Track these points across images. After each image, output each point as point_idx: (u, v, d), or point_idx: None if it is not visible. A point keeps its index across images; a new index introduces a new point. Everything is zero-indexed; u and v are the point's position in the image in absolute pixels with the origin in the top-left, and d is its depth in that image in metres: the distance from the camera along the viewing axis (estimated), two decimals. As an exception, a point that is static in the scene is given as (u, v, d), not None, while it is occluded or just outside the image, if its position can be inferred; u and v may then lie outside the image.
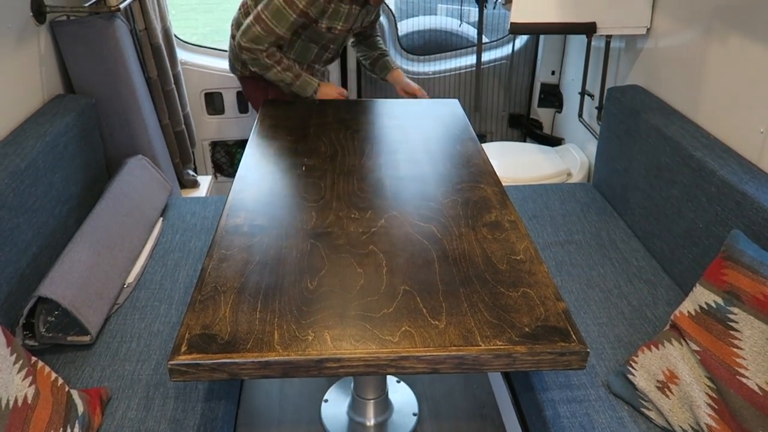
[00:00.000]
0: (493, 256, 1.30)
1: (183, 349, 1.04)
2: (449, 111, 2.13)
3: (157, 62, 2.27)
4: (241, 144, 3.03)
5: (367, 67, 2.54)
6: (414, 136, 1.91)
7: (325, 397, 2.00)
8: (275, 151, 1.79)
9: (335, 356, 1.04)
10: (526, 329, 1.10)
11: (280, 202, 1.50)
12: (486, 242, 1.35)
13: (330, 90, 2.27)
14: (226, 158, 3.08)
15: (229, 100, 2.90)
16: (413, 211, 1.47)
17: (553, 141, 2.97)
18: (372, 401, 1.90)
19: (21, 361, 1.17)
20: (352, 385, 1.91)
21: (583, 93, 2.56)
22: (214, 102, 2.93)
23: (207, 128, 2.94)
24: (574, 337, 1.08)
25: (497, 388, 1.94)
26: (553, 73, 2.96)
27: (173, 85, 2.39)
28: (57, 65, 1.99)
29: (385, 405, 1.94)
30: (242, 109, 2.92)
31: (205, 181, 2.67)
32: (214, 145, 3.03)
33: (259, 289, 1.19)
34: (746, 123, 1.58)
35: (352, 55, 2.84)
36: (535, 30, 2.10)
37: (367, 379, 1.84)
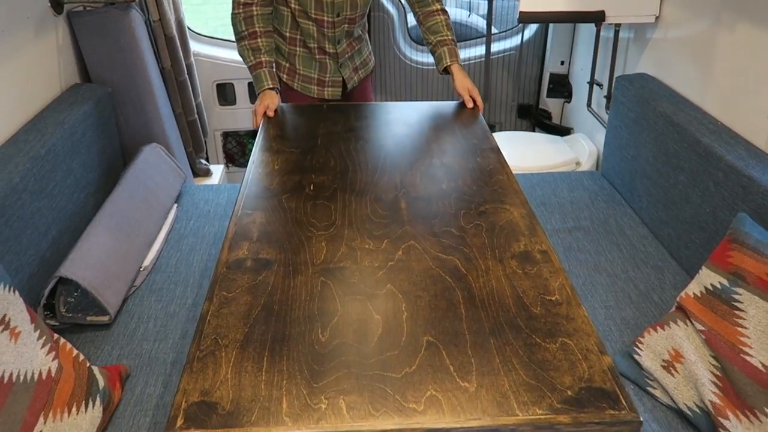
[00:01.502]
0: (525, 296, 1.17)
1: (179, 423, 0.92)
2: (467, 116, 1.96)
3: (171, 53, 2.31)
4: (253, 134, 3.06)
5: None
6: (430, 146, 1.77)
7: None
8: (280, 166, 1.65)
9: (353, 431, 0.92)
10: (569, 392, 0.97)
11: (287, 230, 1.37)
12: (516, 278, 1.22)
13: (261, 101, 1.95)
14: (238, 148, 3.12)
15: (241, 91, 2.94)
16: (433, 240, 1.34)
17: (561, 131, 2.98)
18: None
19: (44, 337, 1.21)
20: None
21: (591, 82, 2.57)
22: (225, 93, 2.98)
23: (219, 119, 2.99)
24: (624, 403, 0.95)
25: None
26: (562, 63, 2.98)
27: (186, 76, 2.43)
28: (74, 55, 2.03)
29: None
30: (253, 99, 2.95)
31: (217, 171, 2.71)
32: (226, 135, 3.08)
33: (265, 342, 1.06)
34: (753, 109, 1.60)
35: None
36: (544, 19, 2.12)
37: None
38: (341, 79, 2.11)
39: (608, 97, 2.42)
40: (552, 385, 0.97)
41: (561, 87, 2.99)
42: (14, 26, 1.68)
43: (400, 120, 1.94)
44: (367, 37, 2.22)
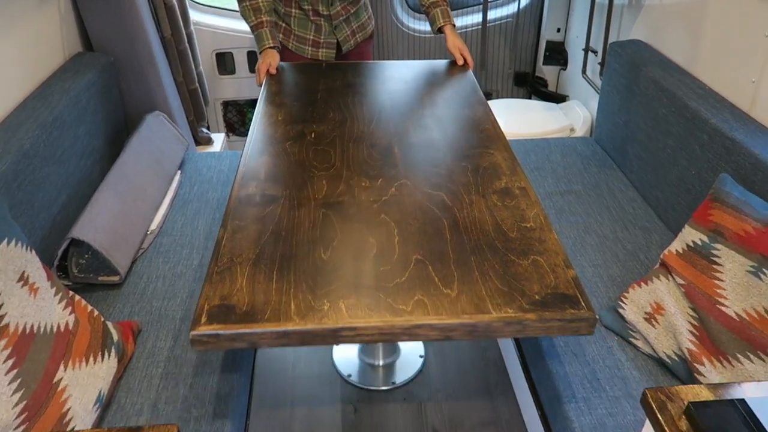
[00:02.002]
0: (504, 223, 1.31)
1: (203, 320, 1.05)
2: (457, 73, 2.13)
3: (171, 22, 2.34)
4: (252, 104, 3.10)
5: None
6: (422, 99, 1.90)
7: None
8: (284, 117, 1.77)
9: (351, 326, 1.05)
10: (536, 297, 1.11)
11: (291, 171, 1.50)
12: (496, 210, 1.35)
13: (263, 59, 2.07)
14: (238, 118, 3.16)
15: (240, 60, 2.97)
16: (423, 179, 1.47)
17: (557, 98, 3.02)
18: (381, 343, 2.02)
19: (60, 294, 1.29)
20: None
21: (586, 49, 2.60)
22: (225, 62, 3.00)
23: (219, 88, 3.02)
24: (583, 304, 1.09)
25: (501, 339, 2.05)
26: (558, 30, 3.00)
27: (186, 44, 2.46)
28: (76, 24, 2.07)
29: (393, 347, 2.07)
30: (253, 68, 2.98)
31: (218, 139, 2.76)
32: (226, 104, 3.11)
33: (274, 260, 1.20)
34: (740, 74, 1.65)
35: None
36: (538, -15, 2.14)
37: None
38: (335, 41, 2.18)
39: (602, 64, 2.46)
40: (522, 292, 1.12)
41: (557, 54, 3.01)
42: (18, -5, 1.72)
43: (395, 77, 2.07)
44: (367, 1, 2.26)
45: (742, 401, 0.88)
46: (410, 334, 1.07)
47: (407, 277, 1.16)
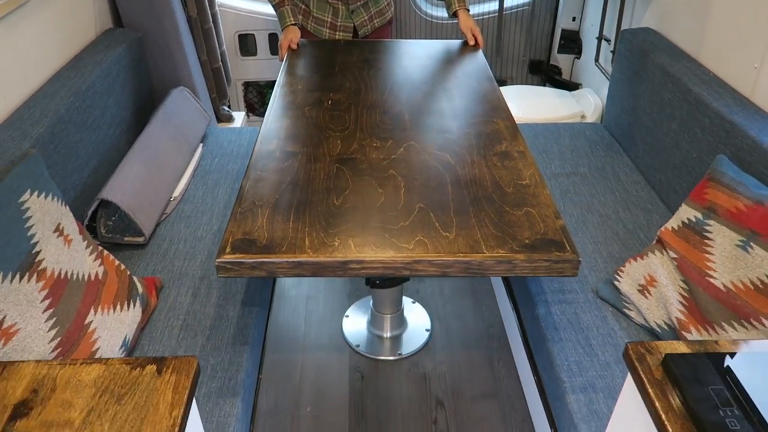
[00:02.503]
0: (501, 180, 1.42)
1: (228, 249, 1.19)
2: (469, 52, 2.24)
3: (197, 1, 2.44)
4: (272, 85, 3.19)
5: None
6: (434, 74, 2.03)
7: (346, 314, 2.22)
8: (303, 86, 1.92)
9: (358, 259, 1.18)
10: (527, 241, 1.22)
11: (309, 132, 1.63)
12: (495, 169, 1.47)
13: (285, 35, 2.21)
14: (258, 98, 3.26)
15: (262, 42, 3.06)
16: (430, 142, 1.59)
17: (570, 86, 3.07)
18: (389, 316, 2.10)
19: (91, 247, 1.39)
20: (371, 302, 2.12)
21: (600, 38, 2.65)
22: (247, 44, 3.10)
23: (240, 69, 3.11)
24: (568, 248, 1.20)
25: (504, 310, 2.13)
26: (573, 19, 3.04)
27: (211, 24, 2.56)
28: (108, 2, 2.17)
29: (400, 320, 2.15)
30: (273, 50, 3.07)
31: (239, 117, 2.86)
32: (247, 85, 3.21)
33: (291, 204, 1.33)
34: (743, 59, 1.70)
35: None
36: (552, -28, 2.19)
37: (384, 296, 2.04)
38: (352, 25, 2.27)
39: (614, 52, 2.50)
40: (514, 236, 1.24)
41: (572, 43, 3.06)
42: (55, -29, 1.82)
43: (409, 54, 2.20)
44: None
45: (715, 354, 0.95)
46: (411, 268, 1.19)
47: (410, 221, 1.28)
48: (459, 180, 1.42)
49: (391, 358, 2.05)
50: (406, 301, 2.24)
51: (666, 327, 1.40)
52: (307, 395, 1.90)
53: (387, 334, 2.13)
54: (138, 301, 1.42)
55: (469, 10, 2.28)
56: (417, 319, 2.20)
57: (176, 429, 0.87)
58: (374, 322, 2.13)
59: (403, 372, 2.01)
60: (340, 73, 2.02)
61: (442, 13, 3.12)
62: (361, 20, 2.30)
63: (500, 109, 1.78)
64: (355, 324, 2.17)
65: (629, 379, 1.00)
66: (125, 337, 1.34)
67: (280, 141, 1.59)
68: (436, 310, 2.24)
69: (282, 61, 2.16)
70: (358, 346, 2.09)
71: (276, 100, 1.83)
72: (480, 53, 2.22)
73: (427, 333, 2.15)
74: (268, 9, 2.89)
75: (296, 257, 1.18)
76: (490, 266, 1.19)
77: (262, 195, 1.36)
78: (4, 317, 1.08)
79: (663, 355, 0.96)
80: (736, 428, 0.83)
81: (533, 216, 1.30)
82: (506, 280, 1.91)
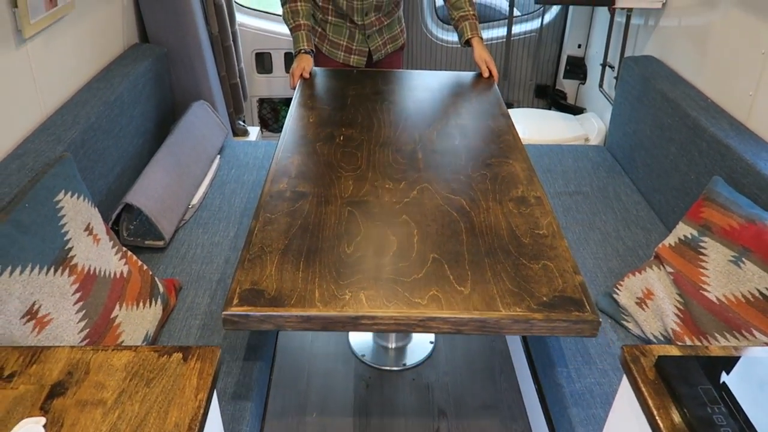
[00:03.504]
0: (518, 229, 1.37)
1: (235, 301, 1.15)
2: (483, 85, 2.21)
3: (219, 20, 2.55)
4: (286, 102, 3.30)
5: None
6: (447, 109, 1.99)
7: (352, 324, 2.27)
8: (315, 120, 1.87)
9: (370, 314, 1.14)
10: (544, 298, 1.17)
11: (320, 171, 1.59)
12: (511, 216, 1.42)
13: (298, 63, 2.19)
14: (272, 114, 3.37)
15: (278, 61, 3.18)
16: (444, 184, 1.54)
17: (575, 110, 3.16)
18: (394, 329, 2.16)
19: (116, 247, 1.47)
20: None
21: (604, 64, 2.75)
22: (263, 62, 3.21)
23: (256, 86, 3.23)
24: (587, 307, 1.16)
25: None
26: (579, 46, 3.15)
27: (231, 42, 2.67)
28: (135, 18, 2.28)
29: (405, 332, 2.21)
30: (288, 69, 3.19)
31: (254, 132, 2.96)
32: (262, 101, 3.32)
33: (301, 251, 1.28)
34: (738, 87, 1.78)
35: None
36: (559, 1, 2.30)
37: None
38: (367, 49, 2.33)
39: (617, 78, 2.60)
40: (531, 293, 1.20)
41: (577, 69, 3.16)
42: (89, -11, 1.94)
43: (422, 86, 2.18)
44: (401, 15, 2.43)
45: (705, 357, 1.02)
46: (424, 326, 1.15)
47: (424, 273, 1.23)
48: (474, 227, 1.38)
49: (395, 368, 2.10)
50: (412, 314, 2.30)
51: (662, 338, 1.46)
52: (314, 402, 1.96)
53: (392, 345, 2.18)
54: (159, 300, 1.49)
55: (482, 39, 2.27)
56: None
57: (201, 410, 0.93)
58: (380, 334, 2.19)
59: (407, 382, 2.06)
60: (353, 106, 1.99)
61: (453, 38, 3.23)
62: (376, 45, 2.34)
63: (516, 149, 1.74)
64: (361, 335, 2.23)
65: (625, 380, 1.06)
66: (147, 332, 1.41)
67: (290, 180, 1.55)
68: (440, 323, 2.29)
69: (293, 88, 2.16)
70: (363, 356, 2.15)
71: (287, 134, 1.80)
72: (494, 86, 2.20)
73: (431, 345, 2.20)
74: (285, 29, 3.01)
75: (305, 311, 1.14)
76: (507, 325, 1.15)
77: (272, 240, 1.32)
78: (40, 306, 1.15)
79: (656, 357, 1.03)
80: (722, 424, 0.90)
81: (551, 270, 1.25)
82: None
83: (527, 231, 1.38)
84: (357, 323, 1.15)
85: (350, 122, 1.88)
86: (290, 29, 2.23)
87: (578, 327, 1.15)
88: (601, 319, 1.16)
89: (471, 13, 2.24)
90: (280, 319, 1.14)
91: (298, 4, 2.18)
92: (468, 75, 2.30)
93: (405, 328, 1.15)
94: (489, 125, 1.89)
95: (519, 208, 1.47)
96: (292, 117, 1.90)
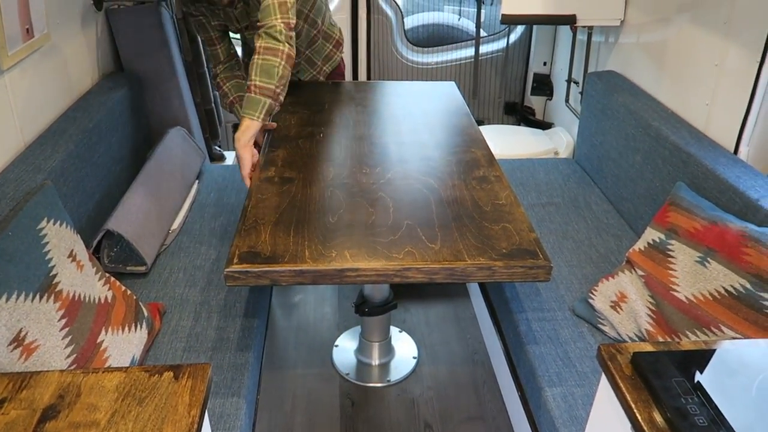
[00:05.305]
0: (480, 200, 1.55)
1: (235, 260, 1.30)
2: (447, 91, 2.40)
3: (193, 48, 2.59)
4: (261, 126, 3.33)
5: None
6: (416, 111, 2.18)
7: (335, 343, 2.29)
8: (297, 121, 2.05)
9: (354, 267, 1.29)
10: (504, 250, 1.35)
11: (304, 161, 1.76)
12: (474, 191, 1.60)
13: (243, 163, 1.72)
14: (247, 139, 3.39)
15: (251, 86, 3.21)
16: (414, 168, 1.73)
17: (544, 125, 3.26)
18: (377, 344, 2.18)
19: (100, 273, 1.48)
20: (359, 332, 2.20)
21: (569, 80, 2.85)
22: (237, 87, 3.24)
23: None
24: (541, 256, 1.33)
25: (486, 331, 2.23)
26: (544, 64, 3.26)
27: (205, 69, 2.70)
28: (110, 47, 2.31)
29: (388, 348, 2.23)
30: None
31: (230, 156, 2.98)
32: (235, 127, 3.34)
33: (291, 222, 1.44)
34: (695, 97, 1.88)
35: (363, 40, 3.15)
36: (523, 20, 2.41)
37: (373, 323, 2.13)
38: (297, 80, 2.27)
39: (582, 93, 2.70)
40: (493, 247, 1.37)
41: (543, 86, 3.27)
42: (64, 20, 1.96)
43: (393, 93, 2.38)
44: (329, 30, 2.25)
45: (677, 352, 1.07)
46: (401, 275, 1.31)
47: (399, 235, 1.40)
48: (442, 200, 1.55)
49: (380, 384, 2.12)
50: (393, 331, 2.33)
51: (636, 338, 1.52)
52: (300, 422, 1.96)
53: (375, 362, 2.20)
54: (144, 324, 1.50)
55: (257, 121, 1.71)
56: (404, 347, 2.28)
57: (195, 426, 0.95)
58: (363, 351, 2.21)
59: (392, 398, 2.08)
60: (330, 110, 2.17)
61: (424, 59, 3.32)
62: (311, 76, 2.32)
63: (477, 140, 1.94)
64: (345, 353, 2.25)
65: (604, 378, 1.11)
66: (133, 356, 1.41)
67: (277, 168, 1.72)
68: (422, 339, 2.33)
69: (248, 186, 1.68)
70: (347, 374, 2.16)
71: (271, 134, 1.96)
72: (456, 90, 2.39)
73: (414, 360, 2.23)
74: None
75: (297, 266, 1.29)
76: (472, 272, 1.32)
77: (264, 215, 1.47)
78: (27, 333, 1.16)
79: (632, 354, 1.08)
80: (696, 413, 0.95)
81: (509, 230, 1.43)
82: (488, 303, 2.02)
83: (488, 201, 1.55)
84: (343, 275, 1.30)
85: (329, 122, 2.06)
86: (228, 111, 2.13)
87: (534, 272, 1.32)
88: (552, 265, 1.33)
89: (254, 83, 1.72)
90: (276, 274, 1.29)
91: (224, 87, 2.07)
92: (434, 84, 2.49)
93: (384, 279, 1.31)
94: (454, 122, 2.08)
95: (481, 185, 1.64)
96: (276, 118, 2.03)
